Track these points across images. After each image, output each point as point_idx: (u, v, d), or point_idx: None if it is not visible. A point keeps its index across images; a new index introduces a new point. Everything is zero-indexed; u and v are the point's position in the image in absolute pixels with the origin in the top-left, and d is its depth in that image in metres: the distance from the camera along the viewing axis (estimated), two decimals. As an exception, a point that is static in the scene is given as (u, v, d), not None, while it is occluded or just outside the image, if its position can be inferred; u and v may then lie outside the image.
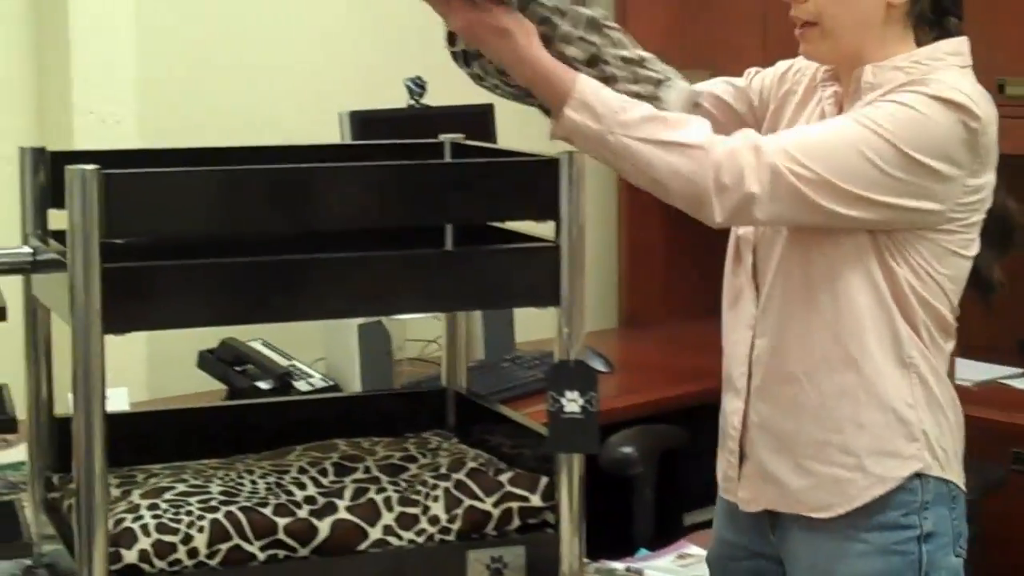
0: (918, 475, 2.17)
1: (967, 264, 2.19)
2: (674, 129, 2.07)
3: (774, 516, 2.26)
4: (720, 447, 2.33)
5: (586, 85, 2.08)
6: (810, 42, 2.18)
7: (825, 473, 2.17)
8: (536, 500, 2.06)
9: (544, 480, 2.07)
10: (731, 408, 2.27)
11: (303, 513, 1.97)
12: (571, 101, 2.06)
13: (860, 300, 2.13)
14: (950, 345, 2.22)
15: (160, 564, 1.89)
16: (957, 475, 2.22)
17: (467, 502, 2.03)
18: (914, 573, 2.16)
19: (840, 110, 2.20)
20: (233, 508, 1.95)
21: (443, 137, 2.39)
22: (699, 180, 2.05)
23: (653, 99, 2.20)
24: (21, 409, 2.10)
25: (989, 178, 2.16)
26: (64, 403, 2.22)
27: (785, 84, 2.31)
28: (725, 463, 2.30)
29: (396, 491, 2.04)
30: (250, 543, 1.93)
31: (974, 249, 2.19)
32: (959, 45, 2.19)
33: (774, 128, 2.27)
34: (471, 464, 2.11)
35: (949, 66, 2.15)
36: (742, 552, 2.35)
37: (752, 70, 2.36)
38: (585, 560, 2.09)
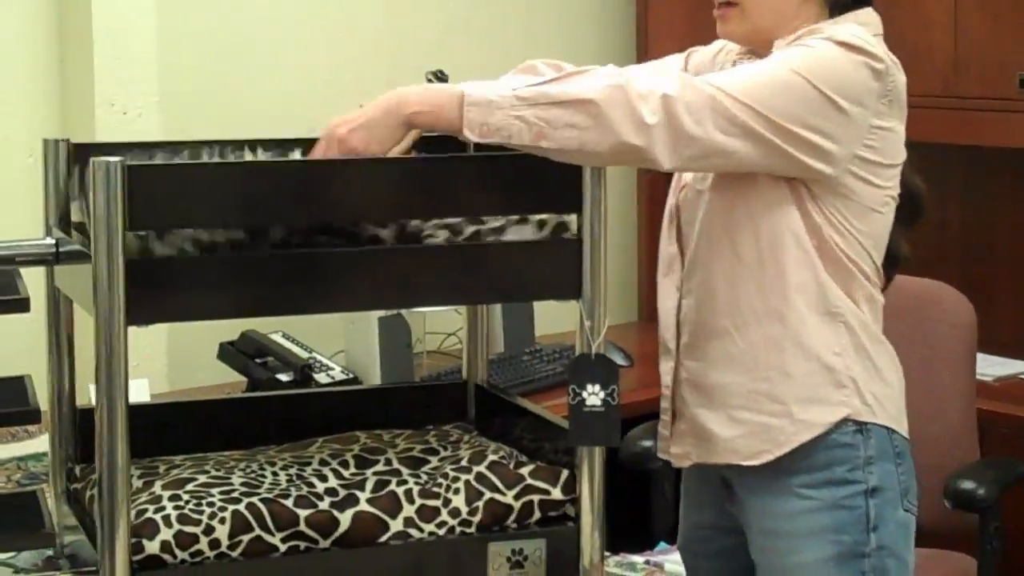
0: (854, 424, 2.19)
1: (885, 221, 2.23)
2: (558, 70, 2.09)
3: (728, 486, 2.29)
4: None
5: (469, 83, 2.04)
6: (729, 22, 2.23)
7: (755, 421, 2.20)
8: (557, 493, 2.06)
9: (565, 473, 2.07)
10: (663, 369, 2.32)
11: (324, 505, 1.97)
12: (466, 85, 2.02)
13: (783, 253, 2.16)
14: (879, 299, 2.25)
15: (182, 555, 1.89)
16: (895, 422, 2.24)
17: (488, 495, 2.04)
18: (862, 527, 2.20)
19: None
20: (255, 500, 1.96)
21: (465, 130, 2.39)
22: (619, 86, 2.01)
23: None
24: (43, 400, 2.11)
25: (895, 125, 2.19)
26: (86, 394, 2.23)
27: (716, 64, 2.36)
28: (661, 423, 2.34)
29: (417, 483, 2.04)
30: (271, 534, 1.94)
31: (891, 208, 2.23)
32: (865, 16, 2.23)
33: None
34: (492, 457, 2.11)
35: (852, 25, 2.20)
36: (708, 532, 2.39)
37: (692, 49, 2.41)
38: (605, 553, 2.09)
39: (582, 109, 2.00)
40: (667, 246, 2.33)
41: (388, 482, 2.04)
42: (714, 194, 2.21)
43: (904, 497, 2.24)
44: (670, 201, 2.32)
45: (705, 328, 2.24)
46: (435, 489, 2.03)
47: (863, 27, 2.19)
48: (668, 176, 2.30)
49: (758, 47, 2.25)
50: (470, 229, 2.02)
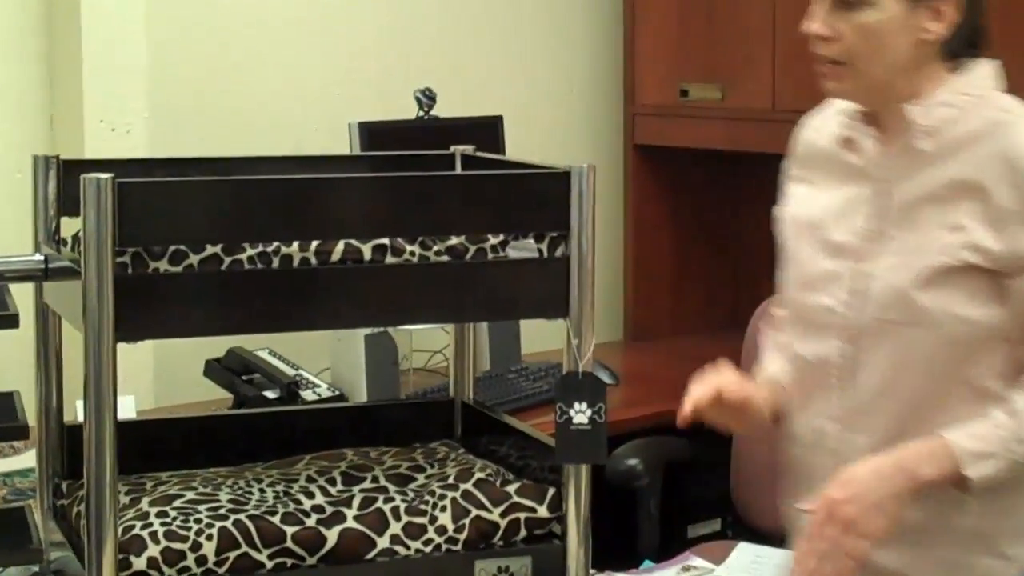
0: None
1: None
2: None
3: None
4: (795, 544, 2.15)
5: (952, 439, 2.02)
6: (840, 80, 2.11)
7: (959, 561, 2.11)
8: (543, 511, 2.07)
9: (551, 491, 2.08)
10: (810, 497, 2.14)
11: (311, 522, 1.98)
12: (966, 465, 2.00)
13: (989, 389, 2.08)
14: None
15: (169, 571, 1.90)
16: None
17: (474, 512, 2.04)
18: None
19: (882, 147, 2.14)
20: (242, 516, 1.96)
21: (454, 148, 2.40)
22: None
23: None
24: (31, 416, 2.11)
25: None
26: (73, 410, 2.24)
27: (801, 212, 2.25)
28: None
29: (404, 501, 2.05)
30: (258, 551, 1.94)
31: None
32: (994, 67, 2.14)
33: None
34: (478, 474, 2.12)
35: (997, 92, 2.12)
36: None
37: (777, 226, 2.30)
38: (591, 571, 2.10)
39: None
40: (810, 359, 2.19)
41: (375, 499, 2.04)
42: (919, 333, 2.07)
43: None
44: (824, 299, 2.16)
45: None
46: (422, 506, 2.04)
47: (996, 80, 2.11)
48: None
49: (873, 103, 2.13)
50: (473, 247, 2.02)
